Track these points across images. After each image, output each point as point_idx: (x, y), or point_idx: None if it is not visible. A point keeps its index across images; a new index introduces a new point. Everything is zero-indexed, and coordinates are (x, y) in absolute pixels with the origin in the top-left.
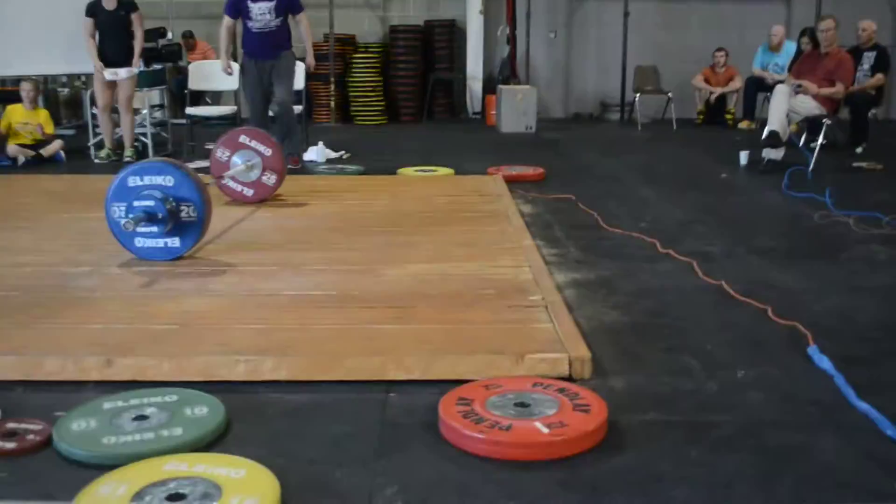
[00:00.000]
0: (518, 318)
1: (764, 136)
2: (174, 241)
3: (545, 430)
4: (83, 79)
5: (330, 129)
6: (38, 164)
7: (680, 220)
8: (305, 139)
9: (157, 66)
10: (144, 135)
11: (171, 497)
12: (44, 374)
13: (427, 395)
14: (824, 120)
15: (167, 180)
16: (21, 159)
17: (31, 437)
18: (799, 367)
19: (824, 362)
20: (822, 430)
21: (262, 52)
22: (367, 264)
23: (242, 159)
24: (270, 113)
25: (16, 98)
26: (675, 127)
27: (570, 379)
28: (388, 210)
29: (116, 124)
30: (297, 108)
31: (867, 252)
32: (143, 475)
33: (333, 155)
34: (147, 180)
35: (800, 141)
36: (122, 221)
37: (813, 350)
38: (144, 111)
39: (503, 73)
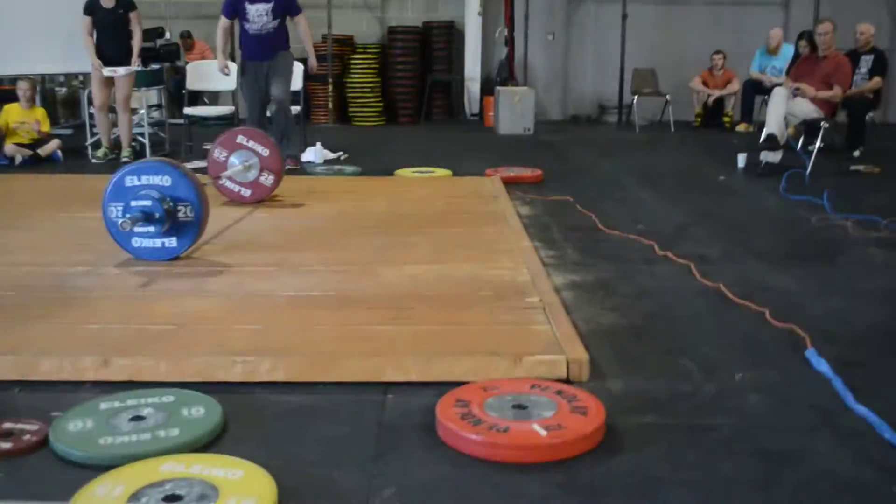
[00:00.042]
0: (516, 319)
1: (762, 138)
2: (171, 242)
3: (543, 433)
4: (81, 78)
5: (328, 130)
6: (35, 163)
7: (678, 222)
8: (303, 140)
9: (155, 66)
10: (142, 135)
11: (167, 498)
12: (40, 375)
13: (425, 396)
14: (822, 123)
15: (164, 180)
16: (18, 159)
17: (27, 437)
18: (797, 370)
19: (822, 365)
20: (820, 433)
21: (260, 54)
22: (364, 265)
23: (240, 159)
24: (268, 113)
25: (13, 97)
26: (672, 129)
27: (567, 381)
28: (385, 211)
29: (114, 124)
30: (296, 109)
31: (865, 255)
32: (139, 476)
33: (331, 156)
34: (144, 180)
35: (797, 144)
36: (120, 221)
37: (811, 353)
38: (142, 111)
39: (501, 74)
